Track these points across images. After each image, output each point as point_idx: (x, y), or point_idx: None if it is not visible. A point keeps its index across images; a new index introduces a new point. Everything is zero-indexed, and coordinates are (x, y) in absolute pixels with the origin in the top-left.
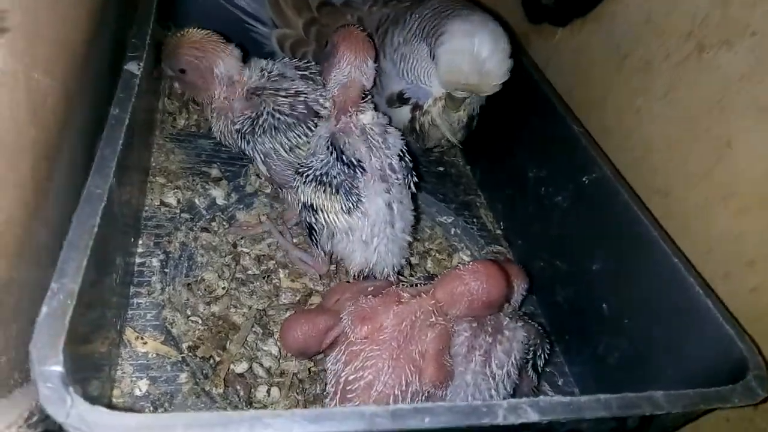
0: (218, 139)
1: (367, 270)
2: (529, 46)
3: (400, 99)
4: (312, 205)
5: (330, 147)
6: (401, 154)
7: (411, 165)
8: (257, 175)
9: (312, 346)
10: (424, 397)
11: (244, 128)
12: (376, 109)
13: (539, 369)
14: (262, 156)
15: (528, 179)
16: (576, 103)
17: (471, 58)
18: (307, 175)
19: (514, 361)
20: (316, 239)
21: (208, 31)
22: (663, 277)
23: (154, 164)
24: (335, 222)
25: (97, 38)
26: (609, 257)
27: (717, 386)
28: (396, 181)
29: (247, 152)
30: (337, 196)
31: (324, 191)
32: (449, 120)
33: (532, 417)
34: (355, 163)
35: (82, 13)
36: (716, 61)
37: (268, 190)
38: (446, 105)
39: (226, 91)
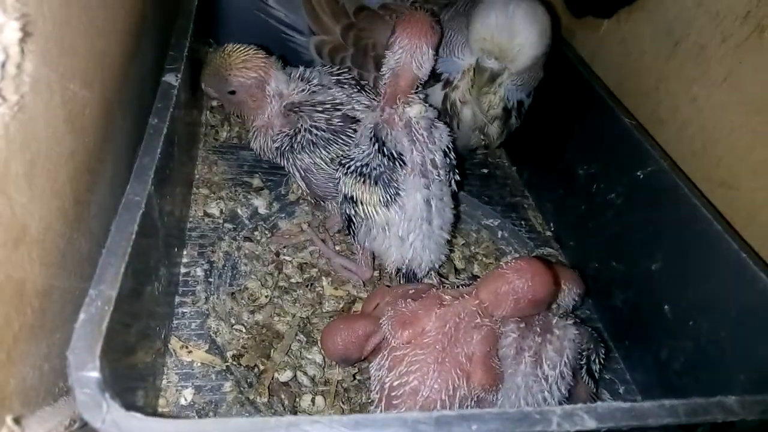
0: (258, 154)
1: (404, 267)
2: (573, 41)
3: (433, 75)
4: (352, 196)
5: (372, 138)
6: (446, 150)
7: (455, 162)
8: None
9: (353, 353)
10: (473, 402)
11: (283, 146)
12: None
13: (596, 374)
14: (302, 172)
15: (578, 177)
16: (626, 95)
17: (503, 12)
18: (349, 166)
19: (567, 361)
20: (354, 232)
21: (251, 47)
22: (730, 274)
23: (197, 176)
24: (373, 215)
25: (137, 53)
26: (670, 256)
27: None
28: (436, 177)
29: (287, 169)
30: (376, 188)
31: (364, 182)
32: (479, 100)
33: (589, 424)
34: (396, 155)
35: (121, 27)
36: None
37: (310, 198)
38: (474, 78)
39: (277, 105)
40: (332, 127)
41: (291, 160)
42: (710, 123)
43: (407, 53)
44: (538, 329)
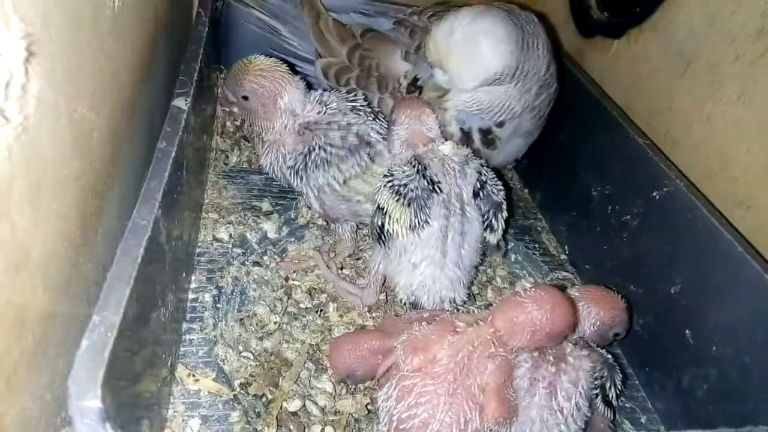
0: (268, 172)
1: (411, 296)
2: (583, 61)
3: (415, 84)
4: (384, 209)
5: (414, 162)
6: (478, 185)
7: (497, 201)
8: (308, 207)
9: (357, 367)
10: None
11: (297, 165)
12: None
13: (612, 403)
14: (315, 192)
15: (592, 198)
16: (639, 115)
17: (448, 25)
18: (390, 181)
19: (582, 391)
20: (385, 243)
21: (277, 60)
22: (753, 297)
23: (206, 201)
24: (397, 233)
25: (147, 78)
26: (689, 278)
27: None
28: (458, 210)
29: (300, 189)
30: (408, 209)
31: (398, 200)
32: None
33: None
34: (435, 181)
35: (131, 51)
36: None
37: (319, 221)
38: (420, 83)
39: (287, 123)
40: (347, 145)
41: (305, 179)
42: (726, 142)
43: (415, 121)
44: (552, 358)
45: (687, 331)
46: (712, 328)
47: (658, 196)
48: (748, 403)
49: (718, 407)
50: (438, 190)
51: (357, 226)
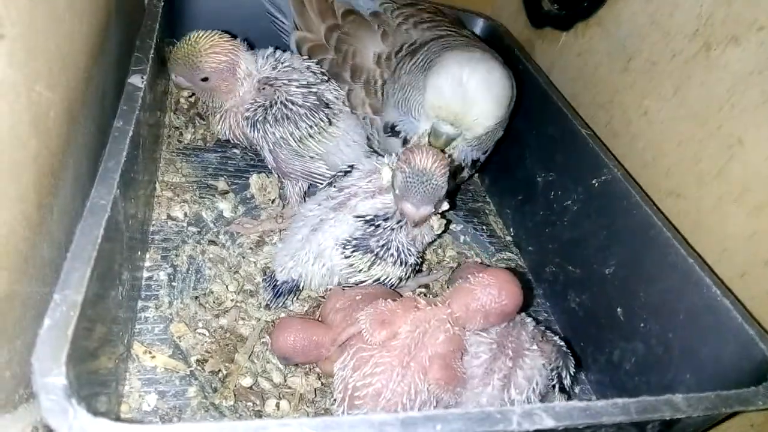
0: (223, 135)
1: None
2: (533, 52)
3: (393, 130)
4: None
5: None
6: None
7: (371, 247)
8: (262, 189)
9: (296, 356)
10: (432, 407)
11: (256, 116)
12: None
13: (567, 390)
14: (270, 145)
15: (537, 184)
16: (583, 106)
17: (456, 82)
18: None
19: (535, 387)
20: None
21: (215, 31)
22: (678, 278)
23: (160, 178)
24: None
25: (101, 55)
26: (622, 261)
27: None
28: (335, 204)
29: (255, 141)
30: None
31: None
32: None
33: (548, 423)
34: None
35: (86, 29)
36: (724, 58)
37: (273, 204)
38: (429, 140)
39: (248, 85)
40: (308, 103)
41: (261, 131)
42: (660, 135)
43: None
44: (510, 352)
45: (618, 309)
46: (641, 307)
47: (597, 184)
48: (669, 374)
49: (644, 379)
50: (335, 180)
51: (305, 190)
